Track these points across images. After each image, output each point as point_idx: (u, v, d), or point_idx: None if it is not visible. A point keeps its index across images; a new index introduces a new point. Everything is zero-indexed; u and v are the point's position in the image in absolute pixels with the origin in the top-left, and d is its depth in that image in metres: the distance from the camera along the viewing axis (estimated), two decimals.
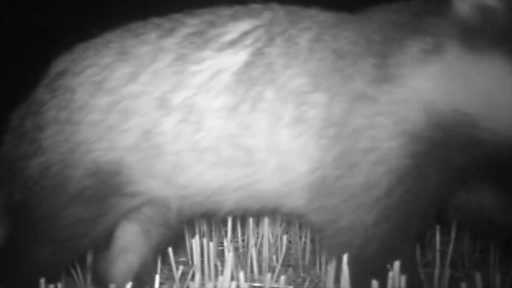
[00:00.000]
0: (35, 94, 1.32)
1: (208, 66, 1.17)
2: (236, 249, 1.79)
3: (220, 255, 1.60)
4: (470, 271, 1.51)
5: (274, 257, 1.65)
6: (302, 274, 1.61)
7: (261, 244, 1.63)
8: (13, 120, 1.34)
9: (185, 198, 1.24)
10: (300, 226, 1.74)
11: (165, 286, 1.47)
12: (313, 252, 1.66)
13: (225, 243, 1.48)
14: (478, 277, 1.16)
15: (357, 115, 1.09)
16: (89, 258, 1.51)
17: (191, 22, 1.23)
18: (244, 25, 1.20)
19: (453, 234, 1.62)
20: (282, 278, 1.20)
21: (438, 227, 1.53)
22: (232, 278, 1.17)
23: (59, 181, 1.22)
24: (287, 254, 1.68)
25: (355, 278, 1.07)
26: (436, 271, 1.35)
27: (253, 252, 1.55)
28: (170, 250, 1.37)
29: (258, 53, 1.17)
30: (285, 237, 1.59)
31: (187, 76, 1.18)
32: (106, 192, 1.22)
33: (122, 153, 1.19)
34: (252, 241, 1.58)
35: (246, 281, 1.20)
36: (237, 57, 1.17)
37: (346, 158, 1.11)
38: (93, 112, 1.20)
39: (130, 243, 1.40)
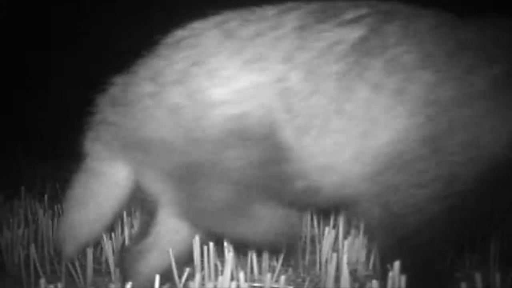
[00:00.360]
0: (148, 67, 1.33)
1: (328, 37, 1.22)
2: (236, 249, 1.79)
3: (220, 255, 1.59)
4: (470, 271, 1.51)
5: (274, 257, 1.65)
6: (302, 274, 1.61)
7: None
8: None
9: None
10: (300, 226, 1.74)
11: (165, 286, 1.46)
12: (313, 252, 1.66)
13: (225, 243, 1.48)
14: (478, 277, 1.16)
15: (467, 108, 1.12)
16: (89, 257, 1.51)
17: (310, 6, 1.28)
18: (362, 10, 1.25)
19: None
20: (282, 278, 1.21)
21: None
22: (232, 278, 1.17)
23: None
24: (287, 254, 1.68)
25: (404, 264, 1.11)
26: None
27: (253, 252, 1.55)
28: (170, 250, 1.37)
29: (374, 30, 1.21)
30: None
31: (309, 41, 1.22)
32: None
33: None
34: None
35: (246, 281, 1.20)
36: (354, 32, 1.21)
37: (436, 142, 1.12)
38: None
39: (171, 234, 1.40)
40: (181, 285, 1.30)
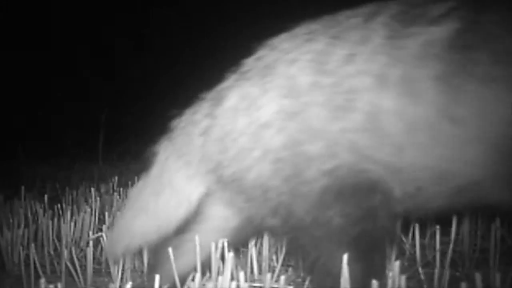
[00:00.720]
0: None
1: (418, 39, 1.13)
2: (236, 249, 1.79)
3: (220, 255, 1.59)
4: (470, 271, 1.51)
5: (274, 257, 1.65)
6: (302, 274, 1.61)
7: (261, 244, 1.63)
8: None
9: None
10: None
11: (165, 286, 1.46)
12: None
13: (225, 243, 1.48)
14: (478, 277, 1.16)
15: None
16: (89, 257, 1.51)
17: (392, 7, 1.20)
18: (451, 3, 1.16)
19: (453, 234, 1.62)
20: (282, 278, 1.20)
21: (438, 227, 1.53)
22: (232, 278, 1.17)
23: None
24: (287, 254, 1.67)
25: None
26: (436, 271, 1.35)
27: (253, 252, 1.55)
28: (170, 250, 1.37)
29: (471, 21, 1.12)
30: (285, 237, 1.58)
31: (399, 50, 1.13)
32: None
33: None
34: (252, 241, 1.58)
35: (246, 281, 1.20)
36: (448, 26, 1.12)
37: None
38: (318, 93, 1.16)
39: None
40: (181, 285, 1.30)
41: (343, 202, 1.14)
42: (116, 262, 1.54)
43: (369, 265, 1.15)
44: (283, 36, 1.27)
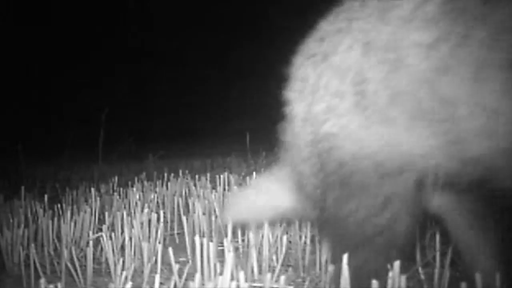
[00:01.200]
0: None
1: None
2: (236, 249, 1.79)
3: (220, 255, 1.60)
4: (470, 271, 1.51)
5: (274, 257, 1.65)
6: (302, 274, 1.61)
7: (261, 244, 1.63)
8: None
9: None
10: (300, 226, 1.74)
11: (165, 286, 1.47)
12: (313, 252, 1.66)
13: (225, 243, 1.48)
14: (478, 277, 1.16)
15: None
16: (89, 257, 1.51)
17: None
18: None
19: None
20: (282, 278, 1.20)
21: (438, 227, 1.53)
22: (232, 278, 1.17)
23: None
24: (287, 254, 1.68)
25: None
26: (436, 271, 1.35)
27: (253, 252, 1.55)
28: (170, 249, 1.37)
29: None
30: (285, 237, 1.59)
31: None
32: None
33: None
34: (252, 241, 1.58)
35: (246, 281, 1.20)
36: None
37: None
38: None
39: None
40: (181, 284, 1.30)
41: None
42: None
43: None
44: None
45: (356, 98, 1.16)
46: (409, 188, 1.15)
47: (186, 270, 1.33)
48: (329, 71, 1.22)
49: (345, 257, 1.11)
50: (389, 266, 1.16)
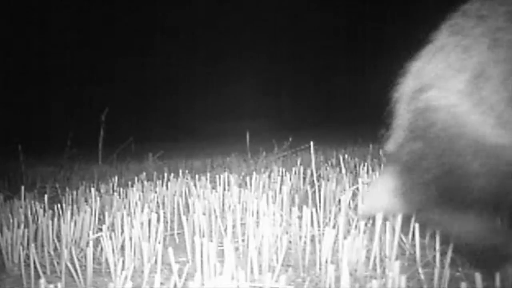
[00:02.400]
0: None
1: None
2: (236, 249, 1.79)
3: (220, 255, 1.59)
4: (470, 271, 1.51)
5: (274, 257, 1.65)
6: (302, 274, 1.61)
7: (261, 244, 1.63)
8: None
9: None
10: (300, 226, 1.74)
11: (165, 286, 1.46)
12: (313, 252, 1.66)
13: (225, 243, 1.48)
14: (478, 277, 1.16)
15: None
16: (89, 257, 1.51)
17: None
18: None
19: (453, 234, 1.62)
20: (282, 278, 1.20)
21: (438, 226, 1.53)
22: (232, 278, 1.17)
23: None
24: (287, 254, 1.68)
25: None
26: (436, 271, 1.35)
27: (253, 252, 1.55)
28: (170, 249, 1.37)
29: None
30: (285, 237, 1.59)
31: None
32: None
33: None
34: (252, 241, 1.58)
35: (246, 281, 1.20)
36: None
37: None
38: None
39: None
40: (181, 284, 1.30)
41: None
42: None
43: None
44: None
45: (473, 91, 1.24)
46: None
47: (186, 270, 1.33)
48: (449, 63, 1.30)
49: (345, 257, 1.11)
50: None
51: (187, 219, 1.80)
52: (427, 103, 1.30)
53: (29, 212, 2.12)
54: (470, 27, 1.31)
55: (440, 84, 1.30)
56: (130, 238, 1.70)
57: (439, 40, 1.38)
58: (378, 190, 1.55)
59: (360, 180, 2.15)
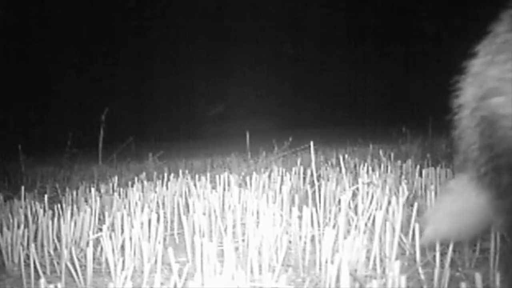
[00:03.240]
0: None
1: None
2: (236, 249, 1.79)
3: (220, 255, 1.59)
4: (470, 271, 1.51)
5: (274, 257, 1.65)
6: (302, 274, 1.61)
7: (261, 244, 1.63)
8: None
9: None
10: (300, 226, 1.74)
11: (165, 286, 1.47)
12: (313, 252, 1.66)
13: (225, 243, 1.48)
14: (478, 277, 1.16)
15: None
16: (89, 257, 1.51)
17: None
18: None
19: None
20: (282, 278, 1.20)
21: None
22: (232, 278, 1.17)
23: None
24: (287, 254, 1.68)
25: None
26: (436, 271, 1.35)
27: (253, 252, 1.55)
28: (170, 249, 1.37)
29: None
30: (285, 237, 1.59)
31: None
32: None
33: None
34: (252, 241, 1.58)
35: (246, 281, 1.20)
36: None
37: None
38: None
39: None
40: (181, 284, 1.30)
41: None
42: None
43: None
44: None
45: None
46: None
47: (186, 270, 1.33)
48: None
49: (345, 257, 1.11)
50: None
51: (187, 219, 1.80)
52: (492, 111, 1.21)
53: (29, 212, 2.12)
54: None
55: (505, 88, 1.21)
56: (130, 238, 1.70)
57: (499, 34, 1.27)
58: (449, 211, 1.47)
59: (360, 180, 2.15)
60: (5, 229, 1.82)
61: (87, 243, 1.69)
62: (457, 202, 1.39)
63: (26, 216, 2.10)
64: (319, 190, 2.06)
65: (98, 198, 2.25)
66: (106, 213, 2.00)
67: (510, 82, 1.19)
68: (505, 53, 1.23)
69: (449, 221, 1.39)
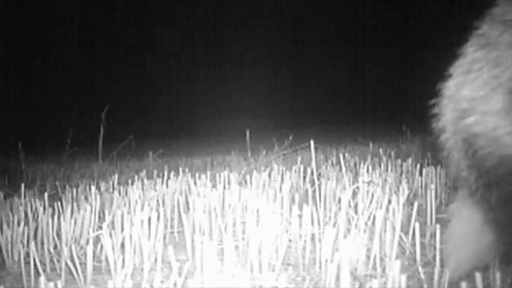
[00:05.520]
0: None
1: None
2: (236, 247, 1.79)
3: (220, 253, 1.59)
4: (470, 271, 1.51)
5: (274, 256, 1.65)
6: (302, 273, 1.61)
7: (261, 243, 1.63)
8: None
9: None
10: (300, 225, 1.74)
11: (165, 284, 1.46)
12: (313, 251, 1.66)
13: (225, 242, 1.48)
14: (478, 277, 1.16)
15: None
16: (89, 254, 1.51)
17: None
18: None
19: None
20: (282, 276, 1.20)
21: (438, 226, 1.53)
22: (232, 277, 1.17)
23: None
24: (287, 252, 1.68)
25: None
26: (436, 270, 1.35)
27: (253, 250, 1.55)
28: (170, 247, 1.37)
29: None
30: (285, 236, 1.59)
31: None
32: None
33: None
34: (252, 240, 1.58)
35: (246, 279, 1.20)
36: None
37: None
38: None
39: None
40: (181, 283, 1.30)
41: None
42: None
43: None
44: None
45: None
46: None
47: (186, 268, 1.33)
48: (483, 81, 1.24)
49: (345, 257, 1.11)
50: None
51: (187, 217, 1.80)
52: (469, 132, 1.23)
53: (29, 210, 2.12)
54: (497, 35, 1.23)
55: (477, 108, 1.23)
56: (130, 236, 1.69)
57: (468, 54, 1.29)
58: (462, 242, 1.43)
59: (360, 179, 2.15)
60: (5, 226, 1.82)
61: (87, 241, 1.68)
62: (465, 229, 1.41)
63: (26, 214, 2.10)
64: (319, 188, 2.06)
65: (98, 196, 2.25)
66: (106, 211, 2.00)
67: (480, 101, 1.21)
68: (473, 73, 1.26)
69: (467, 251, 1.41)
